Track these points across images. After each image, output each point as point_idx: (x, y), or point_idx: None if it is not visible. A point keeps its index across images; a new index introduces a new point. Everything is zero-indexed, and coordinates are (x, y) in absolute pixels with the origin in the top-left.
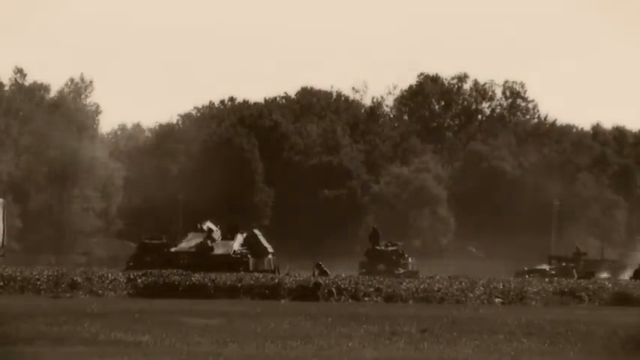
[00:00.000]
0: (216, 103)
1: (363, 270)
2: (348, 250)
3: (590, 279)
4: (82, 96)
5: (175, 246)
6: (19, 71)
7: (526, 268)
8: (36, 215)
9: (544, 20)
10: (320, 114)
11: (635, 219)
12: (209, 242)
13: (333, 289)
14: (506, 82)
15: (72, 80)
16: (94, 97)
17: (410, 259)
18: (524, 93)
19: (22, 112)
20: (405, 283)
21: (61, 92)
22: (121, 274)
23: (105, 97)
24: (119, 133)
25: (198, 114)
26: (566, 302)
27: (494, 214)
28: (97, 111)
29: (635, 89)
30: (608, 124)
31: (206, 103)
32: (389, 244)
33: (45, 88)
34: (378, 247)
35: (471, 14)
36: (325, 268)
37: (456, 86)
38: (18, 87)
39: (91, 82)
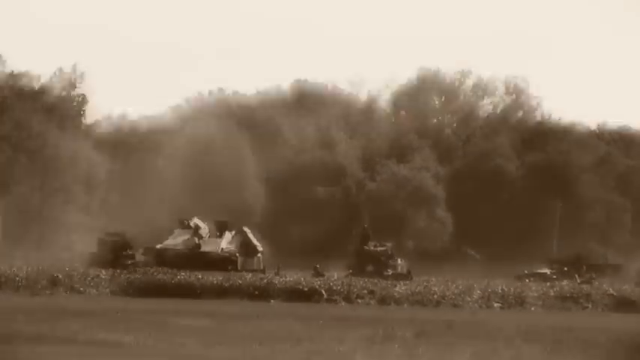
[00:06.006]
0: (206, 95)
1: (351, 271)
2: (342, 250)
3: (591, 284)
4: (72, 87)
5: (160, 243)
6: None
7: (526, 272)
8: (15, 208)
9: (549, 17)
10: (314, 108)
11: None
12: (196, 239)
13: (323, 291)
14: (507, 77)
15: (60, 70)
16: (81, 88)
17: (399, 261)
18: (527, 89)
19: (2, 100)
20: (399, 286)
21: (49, 82)
22: (104, 271)
23: (90, 87)
24: (104, 124)
25: (188, 106)
26: (567, 307)
27: (494, 215)
28: (83, 102)
29: None
30: (613, 124)
31: (196, 95)
32: (378, 244)
33: (29, 77)
34: (367, 248)
35: (474, 9)
36: (321, 271)
37: (458, 82)
38: None
39: (82, 73)
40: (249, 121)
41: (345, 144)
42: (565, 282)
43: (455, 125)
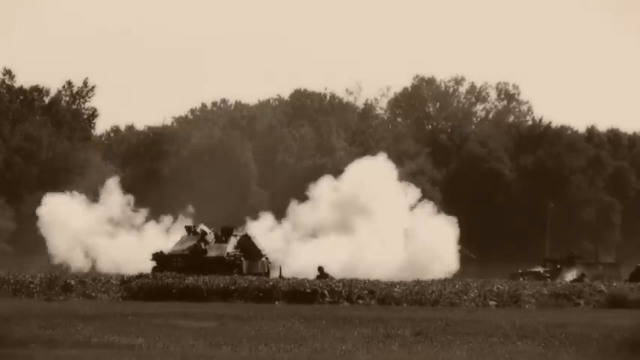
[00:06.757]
0: (209, 105)
1: None
2: None
3: (582, 281)
4: (82, 100)
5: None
6: (8, 72)
7: (520, 271)
8: (29, 217)
9: (539, 22)
10: (313, 116)
11: (629, 221)
12: (202, 245)
13: (326, 292)
14: (499, 83)
15: (69, 83)
16: (90, 101)
17: None
18: (518, 95)
19: (14, 113)
20: (398, 286)
21: (58, 95)
22: (114, 276)
23: (98, 100)
24: (112, 135)
25: (192, 116)
26: (560, 305)
27: (489, 216)
28: (93, 114)
29: (630, 91)
30: (602, 126)
31: (199, 105)
32: None
33: (39, 90)
34: None
35: (465, 16)
36: (327, 272)
37: (452, 88)
38: (8, 89)
39: (93, 87)
40: (252, 129)
41: (344, 150)
42: (558, 280)
43: (450, 130)
